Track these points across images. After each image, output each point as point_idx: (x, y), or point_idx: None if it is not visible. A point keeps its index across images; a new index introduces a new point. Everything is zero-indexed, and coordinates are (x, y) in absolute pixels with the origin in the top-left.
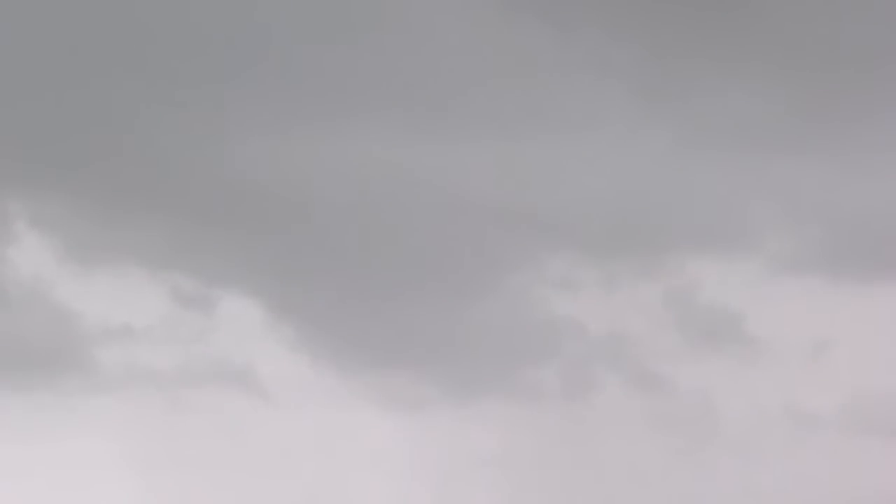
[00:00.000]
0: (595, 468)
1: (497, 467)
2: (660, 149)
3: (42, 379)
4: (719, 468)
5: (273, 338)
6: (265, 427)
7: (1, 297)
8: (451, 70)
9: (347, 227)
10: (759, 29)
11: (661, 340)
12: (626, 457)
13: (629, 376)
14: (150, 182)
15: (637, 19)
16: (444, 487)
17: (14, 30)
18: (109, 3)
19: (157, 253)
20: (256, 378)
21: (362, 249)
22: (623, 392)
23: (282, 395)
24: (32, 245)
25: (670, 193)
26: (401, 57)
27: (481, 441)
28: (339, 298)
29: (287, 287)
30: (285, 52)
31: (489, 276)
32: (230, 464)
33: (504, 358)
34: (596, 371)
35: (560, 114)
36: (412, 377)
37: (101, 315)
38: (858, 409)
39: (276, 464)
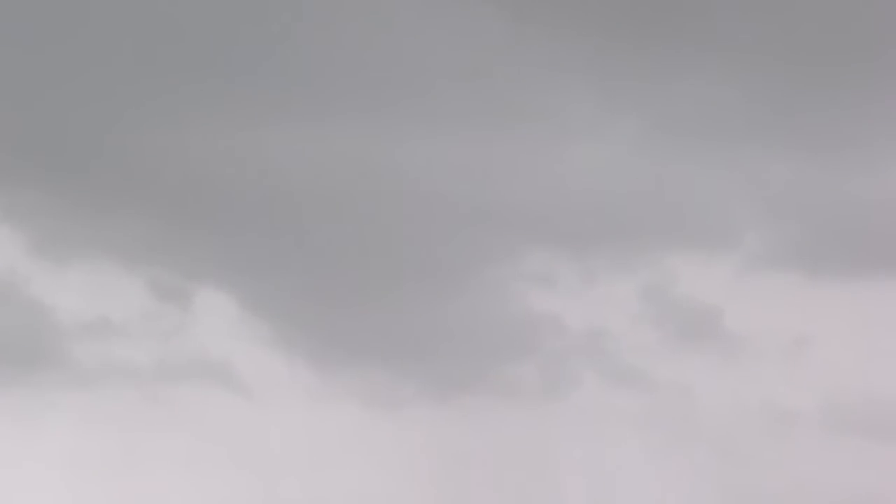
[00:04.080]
0: (574, 464)
1: (476, 463)
2: (637, 142)
3: (17, 374)
4: (698, 463)
5: (248, 334)
6: (242, 422)
7: None
8: (426, 66)
9: (323, 223)
10: (731, 20)
11: (639, 336)
12: (604, 452)
13: (608, 372)
14: (125, 175)
15: (609, 11)
16: (422, 484)
17: None
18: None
19: (132, 246)
20: (233, 374)
21: (338, 245)
22: (602, 387)
23: (259, 391)
24: (5, 238)
25: (648, 188)
26: (375, 54)
27: (460, 437)
28: (314, 294)
29: (262, 282)
30: (259, 49)
31: (466, 271)
32: (207, 458)
33: (482, 354)
34: (574, 366)
35: (535, 108)
36: (390, 374)
37: (77, 309)
38: (837, 406)
39: (253, 459)
